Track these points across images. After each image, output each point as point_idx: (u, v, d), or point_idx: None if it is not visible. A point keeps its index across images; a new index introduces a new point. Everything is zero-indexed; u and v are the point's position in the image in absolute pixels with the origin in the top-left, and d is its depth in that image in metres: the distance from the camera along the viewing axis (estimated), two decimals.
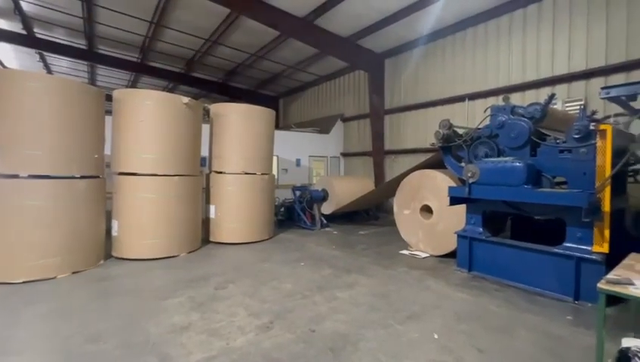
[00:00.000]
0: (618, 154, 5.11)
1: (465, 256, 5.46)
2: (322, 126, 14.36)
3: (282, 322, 3.70)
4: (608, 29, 6.99)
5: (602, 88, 4.23)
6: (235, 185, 7.40)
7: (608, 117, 5.36)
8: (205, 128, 7.60)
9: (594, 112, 5.80)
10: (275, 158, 12.34)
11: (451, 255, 6.00)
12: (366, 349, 3.15)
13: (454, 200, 5.37)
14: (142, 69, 14.41)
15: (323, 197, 9.34)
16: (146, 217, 6.02)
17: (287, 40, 11.42)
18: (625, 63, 6.67)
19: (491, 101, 8.58)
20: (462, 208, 5.62)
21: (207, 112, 7.78)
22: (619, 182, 5.26)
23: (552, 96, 4.57)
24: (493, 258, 5.12)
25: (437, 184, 6.23)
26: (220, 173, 7.48)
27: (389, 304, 4.25)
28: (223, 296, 4.49)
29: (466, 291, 4.68)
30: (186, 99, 6.40)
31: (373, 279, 5.20)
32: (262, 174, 7.79)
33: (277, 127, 17.35)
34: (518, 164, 4.46)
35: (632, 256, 3.08)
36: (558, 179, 4.78)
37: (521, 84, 8.32)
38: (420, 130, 11.01)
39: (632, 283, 2.31)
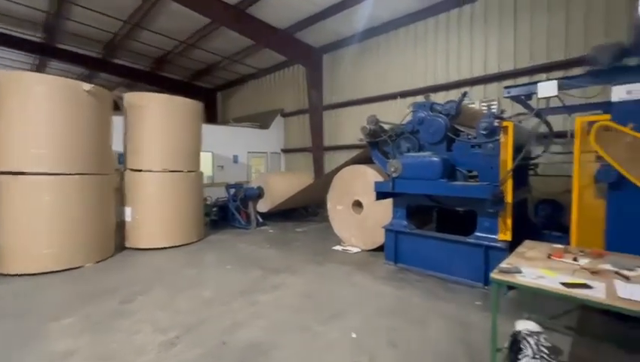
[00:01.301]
0: (519, 149, 5.64)
1: (391, 249, 5.59)
2: (262, 121, 13.89)
3: (192, 336, 3.34)
4: (516, 36, 7.70)
5: (505, 88, 4.57)
6: (155, 184, 6.69)
7: (515, 115, 5.86)
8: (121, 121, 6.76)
9: (502, 111, 6.32)
10: (209, 155, 11.65)
11: (381, 248, 6.10)
12: (279, 358, 2.95)
13: (380, 195, 5.44)
14: (48, 51, 12.44)
15: (258, 194, 8.97)
16: (37, 224, 5.11)
17: (220, 29, 10.71)
18: (529, 68, 7.41)
19: (420, 99, 8.95)
20: (390, 202, 5.74)
21: (120, 102, 6.89)
22: (521, 175, 5.80)
23: (464, 94, 4.83)
24: (417, 250, 5.31)
25: (366, 179, 6.29)
26: (138, 170, 6.69)
27: (313, 304, 4.12)
28: (129, 310, 3.95)
29: (391, 284, 4.76)
30: (88, 86, 5.55)
31: (302, 278, 5.04)
32: (188, 171, 7.16)
33: (215, 121, 16.56)
34: (435, 158, 4.63)
35: (526, 243, 3.33)
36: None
37: (445, 83, 8.83)
38: (357, 127, 11.09)
39: (519, 272, 2.43)
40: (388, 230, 5.64)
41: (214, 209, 9.01)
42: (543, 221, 5.32)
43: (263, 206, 9.19)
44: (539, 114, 5.24)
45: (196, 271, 5.41)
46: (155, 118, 6.73)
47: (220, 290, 4.55)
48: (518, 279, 2.33)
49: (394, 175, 5.01)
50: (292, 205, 9.56)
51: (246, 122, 13.83)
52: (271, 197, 8.98)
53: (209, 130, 11.62)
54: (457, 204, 4.84)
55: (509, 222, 4.32)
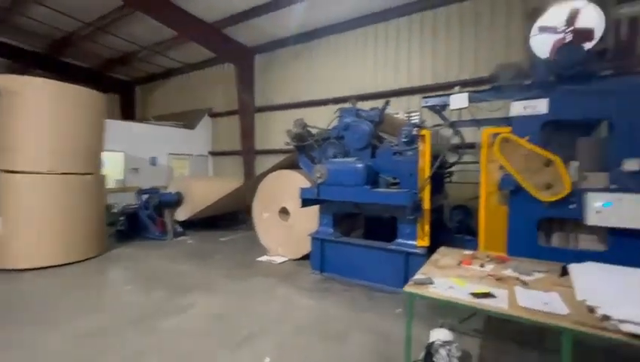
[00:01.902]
0: (437, 158, 5.94)
1: (317, 257, 5.38)
2: (188, 120, 12.75)
3: None
4: (434, 54, 8.32)
5: (423, 97, 4.74)
6: (35, 188, 5.44)
7: (434, 126, 6.19)
8: None
9: (423, 122, 6.65)
10: (120, 155, 10.23)
11: (308, 257, 5.84)
12: None
13: (306, 202, 5.20)
14: None
15: (177, 200, 8.05)
16: None
17: (136, 14, 9.51)
18: (446, 84, 8.01)
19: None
20: (317, 209, 5.54)
21: None
22: (438, 182, 6.14)
23: (387, 102, 4.89)
24: (343, 258, 5.18)
25: (293, 185, 5.99)
26: (10, 172, 5.38)
27: (226, 326, 3.64)
28: None
29: (314, 295, 4.52)
30: None
31: (217, 296, 4.49)
32: (84, 174, 6.02)
33: (133, 118, 14.73)
34: (359, 165, 4.56)
35: (440, 250, 3.37)
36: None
37: (374, 93, 9.08)
38: None
39: (431, 283, 2.36)
40: (314, 238, 5.43)
41: (122, 218, 7.79)
42: (457, 226, 5.66)
43: (182, 213, 8.27)
44: (453, 125, 5.63)
45: (85, 295, 4.47)
46: (37, 107, 5.51)
47: (112, 318, 3.77)
48: (430, 291, 2.24)
49: (319, 181, 4.82)
50: (218, 212, 8.82)
51: (169, 120, 12.54)
52: (192, 203, 8.12)
53: (121, 128, 10.27)
54: (380, 210, 4.84)
55: (427, 228, 4.44)
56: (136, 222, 7.99)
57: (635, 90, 3.18)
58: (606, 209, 3.18)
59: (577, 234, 3.73)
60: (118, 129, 9.64)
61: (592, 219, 3.26)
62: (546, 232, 3.92)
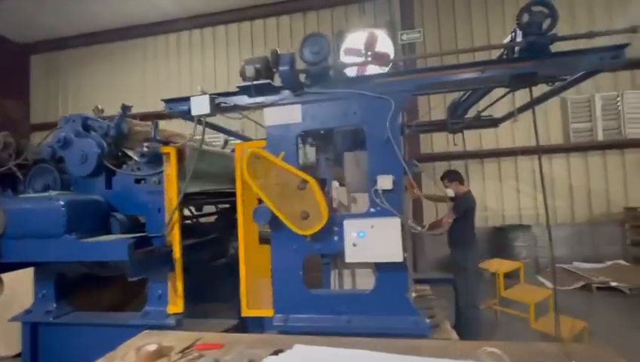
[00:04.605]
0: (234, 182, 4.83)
1: (27, 353, 3.32)
2: None
3: None
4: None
5: (163, 101, 3.48)
6: None
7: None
8: None
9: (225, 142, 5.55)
10: None
11: None
12: None
13: None
14: None
15: None
16: None
17: None
18: None
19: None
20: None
21: None
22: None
23: (125, 106, 3.44)
24: (69, 349, 3.29)
25: None
26: None
27: None
28: None
29: None
30: None
31: None
32: None
33: None
34: (57, 202, 2.88)
35: (136, 339, 2.00)
36: None
37: None
38: None
39: None
40: (23, 322, 3.36)
41: None
42: None
43: None
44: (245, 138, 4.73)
45: None
46: None
47: None
48: None
49: None
50: None
51: None
52: None
53: None
54: (117, 268, 3.24)
55: (180, 286, 3.08)
56: None
57: (382, 92, 2.65)
58: (361, 239, 2.48)
59: (353, 270, 3.04)
60: None
61: (349, 254, 2.52)
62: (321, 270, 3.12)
